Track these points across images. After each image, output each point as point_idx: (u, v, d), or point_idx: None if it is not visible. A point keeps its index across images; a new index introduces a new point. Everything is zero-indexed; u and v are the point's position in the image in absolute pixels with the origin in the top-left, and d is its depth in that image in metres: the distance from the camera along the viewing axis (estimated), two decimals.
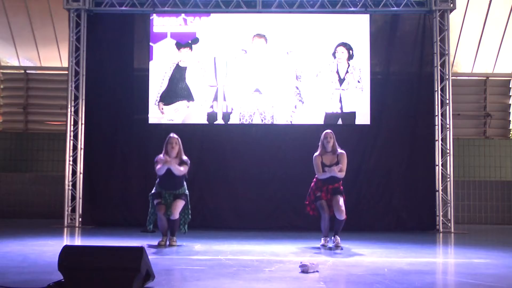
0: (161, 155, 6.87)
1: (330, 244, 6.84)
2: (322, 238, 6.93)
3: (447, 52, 9.57)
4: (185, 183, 7.00)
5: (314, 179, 7.04)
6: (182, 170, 6.82)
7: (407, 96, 9.64)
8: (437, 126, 9.47)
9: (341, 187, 6.97)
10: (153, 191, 6.95)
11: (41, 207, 10.92)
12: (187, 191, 7.00)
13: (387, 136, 9.62)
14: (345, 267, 5.30)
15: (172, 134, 6.98)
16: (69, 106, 9.65)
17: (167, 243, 6.79)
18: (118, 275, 3.73)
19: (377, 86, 9.65)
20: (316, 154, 7.02)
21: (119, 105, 9.74)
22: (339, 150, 7.02)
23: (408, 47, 9.71)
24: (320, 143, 7.05)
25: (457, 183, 10.48)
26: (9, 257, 5.63)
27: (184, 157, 6.92)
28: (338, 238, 6.85)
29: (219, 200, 9.50)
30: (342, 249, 6.64)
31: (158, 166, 6.78)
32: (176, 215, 6.79)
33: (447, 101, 9.53)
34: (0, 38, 11.65)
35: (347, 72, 9.65)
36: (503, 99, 11.84)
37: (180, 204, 6.84)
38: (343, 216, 6.76)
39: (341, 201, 6.80)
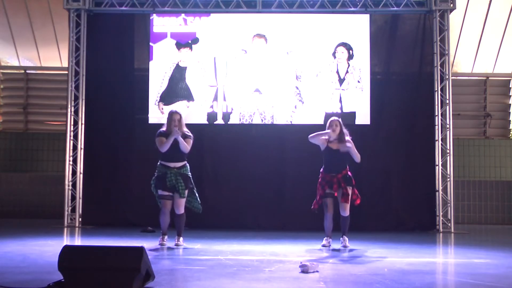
0: (163, 129, 6.75)
1: (338, 246, 6.81)
2: (324, 239, 6.91)
3: (447, 52, 9.57)
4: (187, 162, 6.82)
5: (321, 174, 6.95)
6: (188, 146, 6.72)
7: (407, 96, 9.64)
8: (437, 126, 9.48)
9: (349, 173, 6.90)
10: (155, 174, 6.75)
11: (41, 207, 10.92)
12: (190, 172, 6.80)
13: (387, 136, 9.62)
14: (345, 267, 5.31)
15: (174, 110, 6.86)
16: (69, 106, 9.65)
17: (167, 241, 6.69)
18: (118, 275, 3.73)
19: (377, 86, 9.65)
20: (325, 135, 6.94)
21: (119, 105, 9.73)
22: (347, 138, 6.92)
23: (408, 47, 9.71)
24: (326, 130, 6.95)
25: (457, 183, 10.48)
26: (9, 257, 5.63)
27: (187, 131, 6.80)
28: (346, 238, 6.84)
29: (219, 200, 9.48)
30: (349, 249, 6.64)
31: (163, 142, 6.64)
32: (181, 209, 6.68)
33: (447, 101, 9.53)
34: (0, 38, 11.65)
35: (347, 72, 9.65)
36: (503, 99, 11.84)
37: (184, 199, 6.69)
38: (346, 213, 6.77)
39: (348, 197, 6.76)
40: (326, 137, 6.92)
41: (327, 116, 9.54)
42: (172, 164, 6.69)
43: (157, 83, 9.71)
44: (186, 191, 6.71)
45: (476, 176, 11.35)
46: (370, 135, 9.61)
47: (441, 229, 9.28)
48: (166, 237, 6.72)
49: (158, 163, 6.79)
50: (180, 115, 6.83)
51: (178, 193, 6.63)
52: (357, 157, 6.89)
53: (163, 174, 6.68)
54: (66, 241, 7.83)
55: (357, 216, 8.96)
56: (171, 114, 6.80)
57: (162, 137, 6.73)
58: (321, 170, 6.98)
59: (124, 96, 9.76)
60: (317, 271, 4.76)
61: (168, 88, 9.70)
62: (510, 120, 11.78)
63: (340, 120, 7.01)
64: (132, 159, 9.63)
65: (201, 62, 9.72)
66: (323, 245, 6.83)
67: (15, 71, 12.05)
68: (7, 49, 11.80)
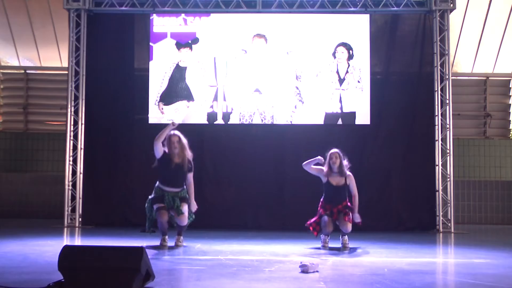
0: (165, 149, 6.65)
1: (338, 245, 6.78)
2: (322, 237, 6.90)
3: (447, 52, 9.57)
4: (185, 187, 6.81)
5: (321, 203, 6.91)
6: (192, 182, 6.76)
7: (407, 96, 9.64)
8: (437, 126, 9.48)
9: (349, 204, 6.86)
10: (152, 195, 6.68)
11: (41, 207, 10.92)
12: (187, 194, 6.78)
13: (387, 136, 9.62)
14: (345, 267, 5.30)
15: (172, 132, 6.69)
16: (69, 106, 9.65)
17: (167, 242, 6.67)
18: (118, 275, 3.73)
19: (377, 86, 9.65)
20: (323, 167, 6.88)
21: (119, 105, 9.73)
22: (348, 173, 6.84)
23: (408, 47, 9.71)
24: (326, 163, 6.86)
25: (457, 183, 10.48)
26: (9, 257, 5.63)
27: (189, 155, 6.71)
28: (346, 238, 6.81)
29: (219, 200, 9.49)
30: (349, 249, 6.62)
31: (164, 165, 6.58)
32: (184, 221, 6.61)
33: (447, 101, 9.53)
34: (0, 38, 11.66)
35: (347, 72, 9.65)
36: (503, 99, 11.84)
37: (185, 210, 6.62)
38: (348, 230, 6.70)
39: (349, 216, 6.70)
40: (322, 168, 6.85)
41: (327, 116, 9.57)
42: (170, 189, 6.64)
43: (157, 83, 9.71)
44: (185, 207, 6.62)
45: (476, 176, 11.35)
46: (370, 135, 9.61)
47: (441, 229, 9.28)
48: (166, 237, 6.69)
49: (156, 185, 6.72)
50: (179, 136, 6.67)
51: (176, 212, 6.57)
52: (355, 193, 6.86)
53: (161, 196, 6.63)
54: (66, 241, 7.83)
55: None
56: (169, 136, 6.63)
57: (163, 160, 6.62)
58: (321, 200, 6.94)
59: (124, 96, 9.76)
60: (317, 271, 4.75)
61: (168, 88, 9.70)
62: (510, 120, 11.78)
63: (340, 152, 6.88)
64: (132, 159, 9.63)
65: (201, 62, 9.71)
66: (323, 245, 6.82)
67: (15, 71, 12.06)
68: (7, 49, 11.81)
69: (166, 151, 6.65)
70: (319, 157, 6.91)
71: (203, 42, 9.73)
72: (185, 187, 6.78)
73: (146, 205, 6.76)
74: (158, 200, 6.62)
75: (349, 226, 6.71)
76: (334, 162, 6.79)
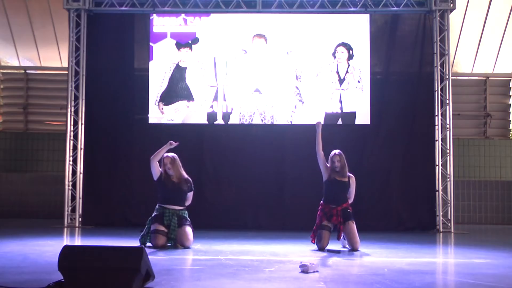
0: (161, 169, 6.61)
1: (338, 246, 6.73)
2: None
3: (447, 52, 9.57)
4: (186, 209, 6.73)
5: (320, 206, 6.76)
6: (190, 199, 6.75)
7: (407, 96, 9.65)
8: (437, 126, 9.48)
9: (350, 208, 6.71)
10: (153, 215, 6.59)
11: (41, 207, 10.93)
12: (188, 217, 6.66)
13: (387, 136, 9.63)
14: (345, 267, 5.31)
15: (165, 154, 6.60)
16: (69, 106, 9.65)
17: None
18: (118, 275, 3.72)
19: (377, 86, 9.65)
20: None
21: (119, 105, 9.74)
22: (349, 174, 6.74)
23: (408, 47, 9.72)
24: (329, 163, 6.75)
25: (457, 183, 10.48)
26: (9, 257, 5.62)
27: (185, 176, 6.66)
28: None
29: (219, 200, 9.49)
30: (349, 249, 6.59)
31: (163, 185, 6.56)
32: (189, 243, 6.50)
33: (447, 101, 9.53)
34: (0, 38, 11.66)
35: (347, 72, 9.65)
36: (503, 99, 11.85)
37: (190, 231, 6.52)
38: (359, 246, 6.53)
39: (355, 229, 6.55)
40: (328, 165, 6.77)
41: (327, 116, 9.57)
42: (170, 207, 6.57)
43: (157, 83, 9.71)
44: (187, 228, 6.52)
45: (476, 176, 11.35)
46: (370, 135, 9.62)
47: (441, 229, 9.28)
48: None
49: (157, 206, 6.65)
50: (172, 157, 6.59)
51: (173, 232, 6.48)
52: (352, 196, 6.78)
53: (161, 214, 6.56)
54: (66, 241, 7.82)
55: (357, 216, 8.97)
56: (163, 158, 6.58)
57: (161, 181, 6.60)
58: (321, 202, 6.77)
59: (124, 96, 9.77)
60: (317, 271, 4.75)
61: (168, 88, 9.70)
62: (510, 120, 11.78)
63: (341, 153, 6.71)
64: (132, 159, 9.63)
65: (201, 62, 9.72)
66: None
67: (15, 71, 12.06)
68: (7, 49, 11.81)
69: (162, 171, 6.63)
70: (317, 123, 6.83)
71: (203, 42, 9.74)
72: (185, 210, 6.71)
73: (146, 226, 6.66)
74: (158, 219, 6.51)
75: (358, 242, 6.52)
76: (337, 165, 6.68)
